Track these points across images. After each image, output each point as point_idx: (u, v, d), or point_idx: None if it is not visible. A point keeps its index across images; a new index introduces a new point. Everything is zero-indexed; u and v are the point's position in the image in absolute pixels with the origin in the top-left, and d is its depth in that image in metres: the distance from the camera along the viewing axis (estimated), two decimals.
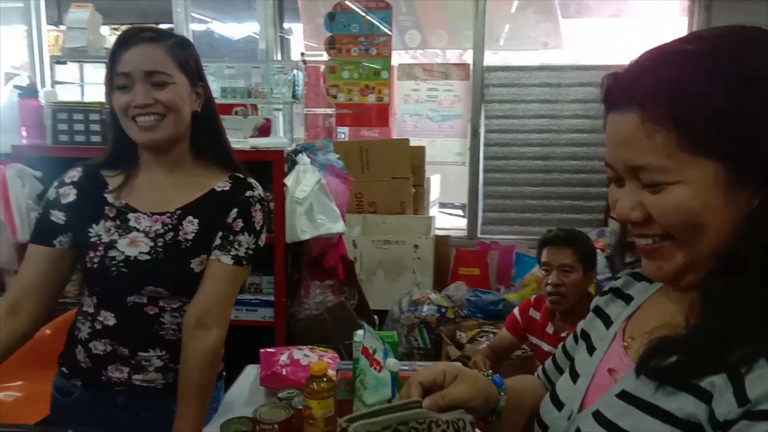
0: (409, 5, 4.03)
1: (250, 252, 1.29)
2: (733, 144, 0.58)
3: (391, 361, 1.19)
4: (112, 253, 1.24)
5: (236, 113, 2.32)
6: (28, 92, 2.33)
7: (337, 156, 2.46)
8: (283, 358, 1.62)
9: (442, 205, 4.51)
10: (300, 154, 2.30)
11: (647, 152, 0.61)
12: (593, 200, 3.87)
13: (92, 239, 1.25)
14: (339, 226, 2.32)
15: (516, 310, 2.39)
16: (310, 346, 1.72)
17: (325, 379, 1.20)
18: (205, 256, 1.26)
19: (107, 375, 1.27)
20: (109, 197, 1.28)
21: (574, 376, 0.80)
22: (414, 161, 3.69)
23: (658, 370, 0.62)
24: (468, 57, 4.03)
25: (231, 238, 1.27)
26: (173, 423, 1.21)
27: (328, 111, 4.06)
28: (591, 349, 0.80)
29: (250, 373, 1.71)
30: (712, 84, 0.58)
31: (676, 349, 0.61)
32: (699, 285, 0.65)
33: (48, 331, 2.27)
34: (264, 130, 2.35)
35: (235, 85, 2.60)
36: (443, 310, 3.04)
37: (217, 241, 1.26)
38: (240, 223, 1.27)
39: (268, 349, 1.69)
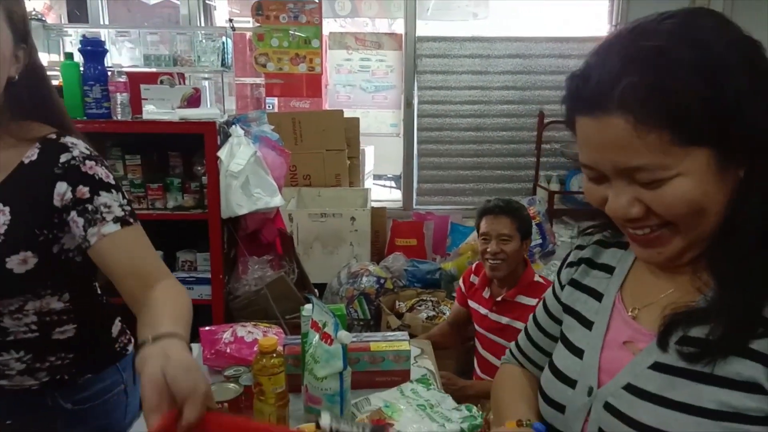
0: None
1: (127, 208, 1.08)
2: (719, 128, 0.61)
3: (343, 334, 1.18)
4: None
5: (162, 82, 2.19)
6: None
7: (272, 128, 2.38)
8: (227, 335, 1.57)
9: (377, 177, 4.50)
10: (233, 126, 2.21)
11: (642, 153, 0.62)
12: (522, 170, 3.98)
13: None
14: (277, 200, 2.26)
15: (460, 281, 2.46)
16: (254, 323, 1.69)
17: (274, 355, 1.17)
18: (29, 252, 1.02)
19: None
20: None
21: (577, 352, 0.79)
22: (348, 133, 3.64)
23: (697, 343, 0.65)
24: (397, 27, 4.00)
25: (90, 207, 1.04)
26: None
27: (258, 80, 3.93)
28: (587, 323, 0.80)
29: (192, 351, 1.65)
30: (690, 77, 0.60)
31: (704, 321, 0.65)
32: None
33: None
34: (193, 100, 2.24)
35: (159, 52, 2.45)
36: (382, 281, 3.06)
37: (79, 221, 1.03)
38: (84, 190, 1.04)
39: (209, 328, 1.64)
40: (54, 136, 1.07)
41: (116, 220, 1.04)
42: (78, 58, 2.09)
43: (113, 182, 1.09)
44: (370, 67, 3.98)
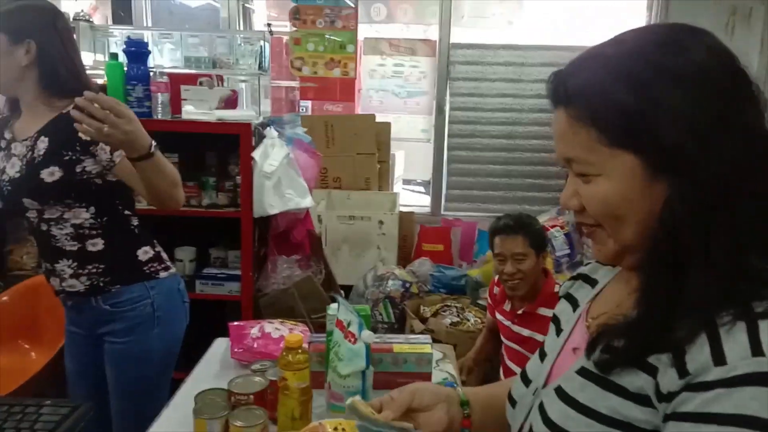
0: None
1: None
2: (642, 138, 0.63)
3: (366, 333, 1.22)
4: (3, 177, 1.54)
5: (201, 84, 2.26)
6: None
7: (305, 130, 2.43)
8: (254, 331, 1.62)
9: (406, 182, 4.53)
10: (268, 128, 2.27)
11: (574, 146, 0.67)
12: (553, 179, 3.96)
13: None
14: (307, 201, 2.31)
15: (487, 293, 2.47)
16: (281, 320, 1.73)
17: (300, 351, 1.21)
18: (56, 167, 1.47)
19: (53, 286, 1.62)
20: (6, 132, 1.60)
21: (542, 356, 0.85)
22: (379, 137, 3.68)
23: (609, 351, 0.66)
24: (432, 33, 4.02)
25: None
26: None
27: (293, 84, 4.00)
28: (559, 331, 0.85)
29: (219, 346, 1.70)
30: (625, 85, 0.63)
31: (622, 333, 0.65)
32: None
33: (5, 298, 2.24)
34: (230, 101, 2.30)
35: (198, 54, 2.52)
36: (407, 285, 3.08)
37: (107, 148, 1.47)
38: None
39: (237, 323, 1.69)
40: None
41: None
42: (122, 58, 2.17)
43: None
44: (403, 73, 4.01)
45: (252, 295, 2.37)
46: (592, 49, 0.69)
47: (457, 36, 3.86)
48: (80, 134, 1.42)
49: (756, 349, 0.56)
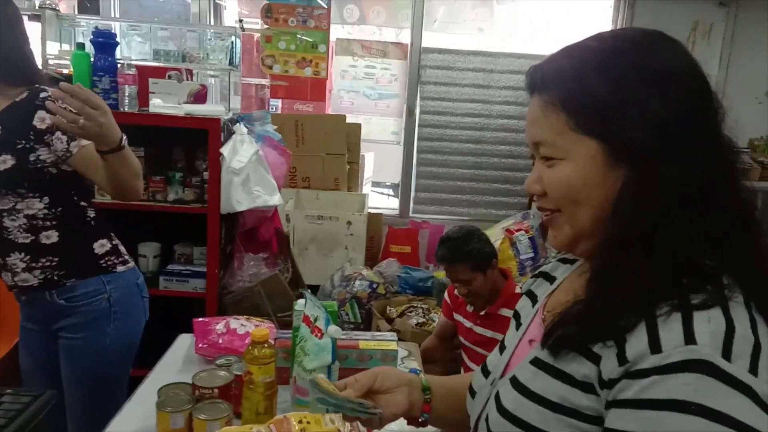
0: None
1: None
2: (608, 126, 0.66)
3: (333, 328, 1.23)
4: None
5: (170, 77, 2.23)
6: None
7: (275, 128, 2.43)
8: (219, 327, 1.61)
9: (375, 184, 4.55)
10: (237, 124, 2.26)
11: (544, 129, 0.70)
12: (519, 184, 4.03)
13: None
14: (275, 199, 2.30)
15: (445, 295, 2.48)
16: (246, 317, 1.72)
17: (266, 345, 1.21)
18: (8, 155, 1.44)
19: (5, 281, 1.58)
20: None
21: (502, 349, 0.87)
22: (349, 138, 3.69)
23: (558, 339, 0.69)
24: (404, 36, 4.06)
25: None
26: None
27: (263, 81, 3.98)
28: (518, 325, 0.87)
29: (183, 342, 1.69)
30: (601, 76, 0.67)
31: (572, 321, 0.68)
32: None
33: None
34: (199, 96, 2.28)
35: (168, 48, 2.49)
36: (375, 285, 3.09)
37: (63, 138, 1.46)
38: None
39: (202, 319, 1.68)
40: (37, 86, 1.49)
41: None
42: (89, 48, 2.13)
43: None
44: (375, 75, 4.04)
45: (217, 292, 2.35)
46: (573, 44, 0.73)
47: (429, 40, 3.91)
48: (34, 123, 1.43)
49: (689, 338, 0.59)
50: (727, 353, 0.58)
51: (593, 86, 0.66)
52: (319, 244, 3.47)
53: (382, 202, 4.61)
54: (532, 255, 3.03)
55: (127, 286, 1.66)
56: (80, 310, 1.58)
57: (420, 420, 0.92)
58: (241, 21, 3.15)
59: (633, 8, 3.77)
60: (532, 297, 0.90)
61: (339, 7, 4.07)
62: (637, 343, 0.61)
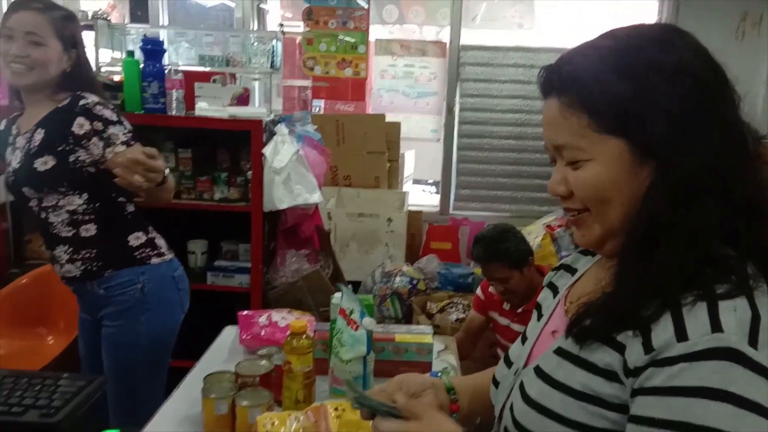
0: None
1: (128, 134, 1.61)
2: (633, 124, 0.67)
3: (367, 320, 1.27)
4: (9, 168, 1.65)
5: (214, 81, 2.32)
6: None
7: (315, 128, 2.49)
8: (262, 319, 1.68)
9: (416, 182, 4.57)
10: (278, 125, 2.33)
11: (565, 133, 0.71)
12: None
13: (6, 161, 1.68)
14: (316, 197, 2.36)
15: (479, 290, 2.48)
16: (288, 309, 1.78)
17: (304, 337, 1.26)
18: (49, 156, 1.57)
19: (57, 273, 1.72)
20: (13, 128, 1.69)
21: (524, 339, 0.89)
22: (389, 136, 3.73)
23: (582, 330, 0.70)
24: (444, 34, 4.06)
25: (105, 135, 1.58)
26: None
27: (305, 83, 4.06)
28: (540, 316, 0.89)
29: (229, 334, 1.76)
30: (617, 74, 0.67)
31: (597, 311, 0.70)
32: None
33: (24, 281, 2.33)
34: (242, 99, 2.36)
35: (213, 53, 2.59)
36: (415, 281, 3.12)
37: (99, 144, 1.58)
38: (98, 124, 1.58)
39: (247, 312, 1.75)
40: (79, 93, 1.62)
41: (123, 143, 1.59)
42: (138, 55, 2.24)
43: (116, 119, 1.61)
44: (414, 74, 4.06)
45: (261, 287, 2.43)
46: (585, 43, 0.74)
47: (468, 38, 3.90)
48: (73, 129, 1.57)
49: (715, 326, 0.60)
50: (753, 341, 0.59)
51: (613, 86, 0.67)
52: (359, 241, 3.52)
53: (423, 199, 4.63)
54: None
55: (162, 277, 1.74)
56: (117, 299, 1.68)
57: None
58: (281, 25, 3.23)
59: (678, 0, 3.66)
60: (554, 288, 0.91)
61: (378, 8, 4.11)
62: (662, 331, 0.62)
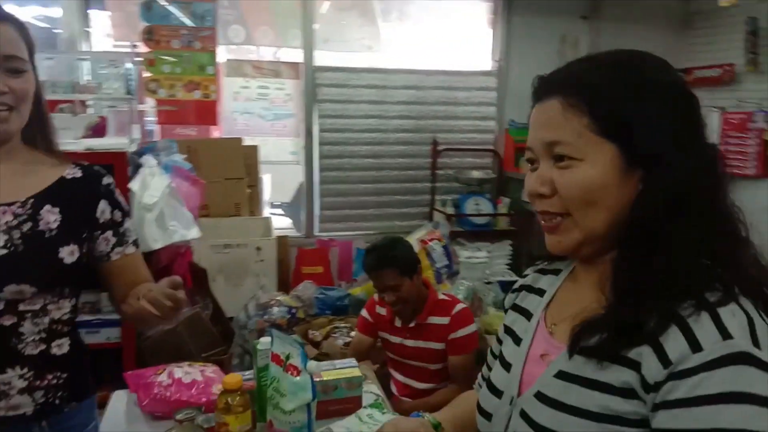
0: None
1: (134, 230, 1.33)
2: (629, 133, 0.72)
3: (312, 364, 1.18)
4: None
5: (62, 110, 2.03)
6: None
7: (184, 157, 2.29)
8: (162, 378, 1.49)
9: (271, 206, 4.44)
10: (144, 156, 2.10)
11: (563, 130, 0.73)
12: (420, 194, 4.15)
13: None
14: (193, 232, 2.18)
15: (364, 311, 2.46)
16: (188, 363, 1.61)
17: (239, 393, 1.14)
18: (75, 246, 1.16)
19: None
20: None
21: (506, 366, 0.87)
22: (247, 160, 3.58)
23: (591, 349, 0.71)
24: (294, 55, 4.02)
25: (121, 230, 1.26)
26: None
27: (146, 107, 3.73)
28: (518, 341, 0.88)
29: (119, 399, 1.54)
30: (622, 84, 0.73)
31: (601, 328, 0.71)
32: (596, 258, 0.77)
33: None
34: (98, 129, 2.10)
35: (57, 78, 2.26)
36: (294, 310, 3.01)
37: (111, 240, 1.24)
38: (118, 214, 1.26)
39: (135, 372, 1.54)
40: (85, 163, 1.26)
41: (134, 243, 1.29)
42: None
43: (128, 207, 1.34)
44: (269, 95, 3.96)
45: (135, 339, 2.16)
46: (590, 55, 0.79)
47: (321, 59, 3.91)
48: (97, 215, 1.22)
49: (724, 334, 0.64)
50: (755, 342, 0.64)
51: (616, 95, 0.72)
52: (227, 273, 3.32)
53: (280, 222, 4.51)
54: (446, 263, 3.13)
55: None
56: None
57: None
58: (135, 46, 2.93)
59: (509, 23, 4.04)
60: (523, 312, 0.91)
61: (223, 27, 3.93)
62: (675, 344, 0.65)
